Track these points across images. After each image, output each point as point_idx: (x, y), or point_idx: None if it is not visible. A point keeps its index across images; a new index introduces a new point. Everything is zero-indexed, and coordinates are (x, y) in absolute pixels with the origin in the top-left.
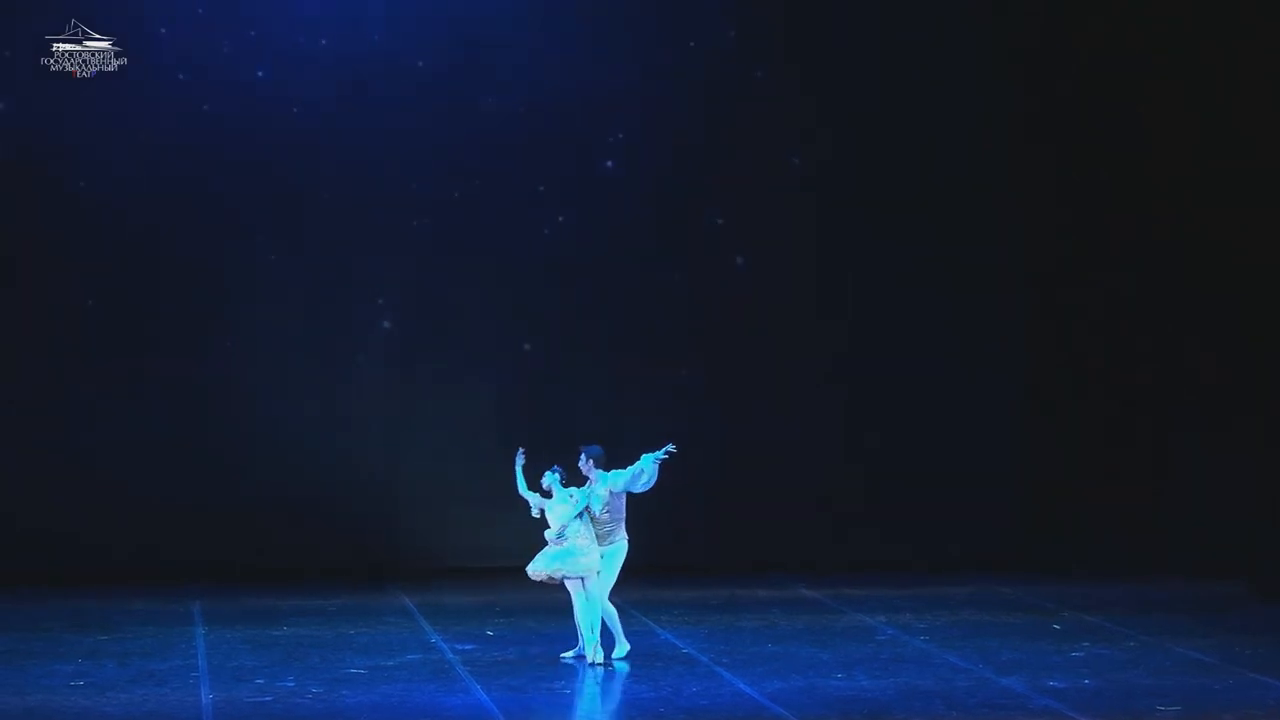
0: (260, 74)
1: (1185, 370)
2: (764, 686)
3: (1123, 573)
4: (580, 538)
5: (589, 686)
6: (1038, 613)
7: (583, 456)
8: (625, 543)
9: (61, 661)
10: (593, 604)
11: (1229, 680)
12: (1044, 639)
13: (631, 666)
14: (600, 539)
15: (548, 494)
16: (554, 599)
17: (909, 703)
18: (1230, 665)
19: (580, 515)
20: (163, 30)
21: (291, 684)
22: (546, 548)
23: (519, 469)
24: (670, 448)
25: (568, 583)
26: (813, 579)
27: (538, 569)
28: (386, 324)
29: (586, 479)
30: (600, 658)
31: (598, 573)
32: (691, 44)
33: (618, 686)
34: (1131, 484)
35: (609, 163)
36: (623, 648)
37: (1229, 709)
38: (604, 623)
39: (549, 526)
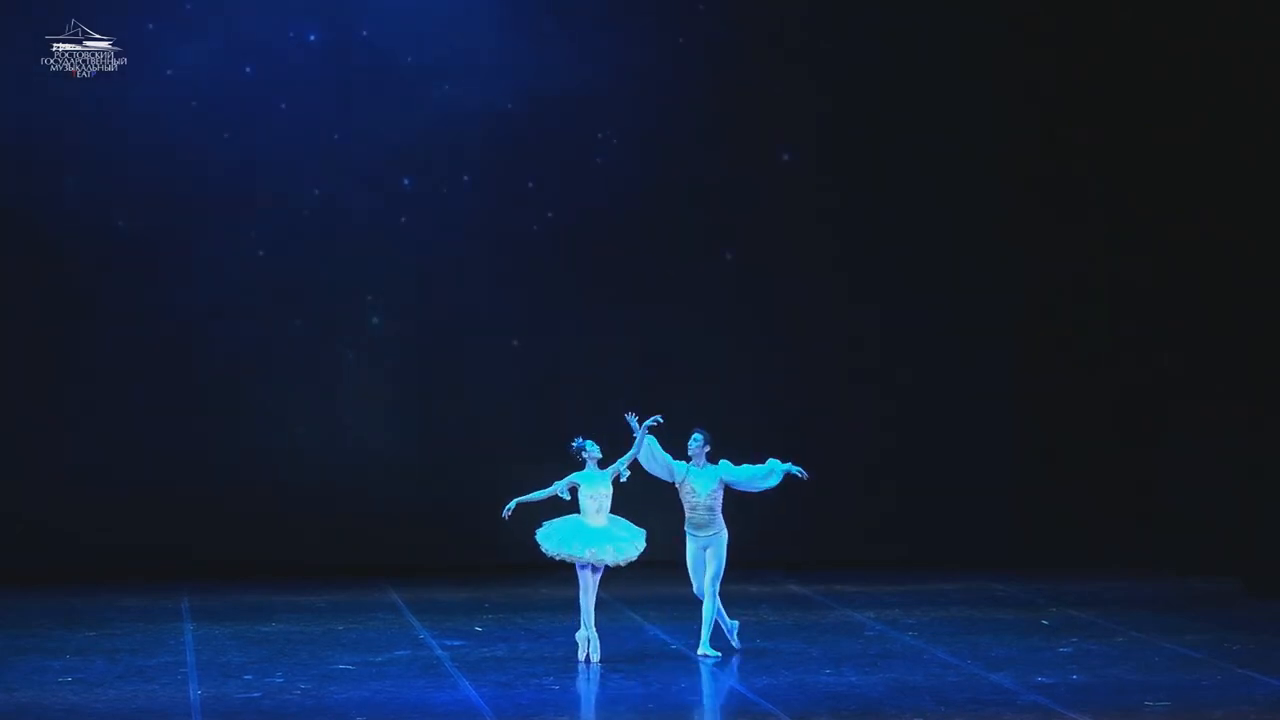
0: (248, 70)
1: (1178, 367)
2: (753, 682)
3: (1114, 569)
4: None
5: (577, 683)
6: (1029, 609)
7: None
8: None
9: (51, 658)
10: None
11: (1218, 676)
12: (1034, 635)
13: (620, 662)
14: (702, 528)
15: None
16: (540, 596)
17: (898, 698)
18: (1220, 661)
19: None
20: (150, 26)
21: (280, 680)
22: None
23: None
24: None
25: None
26: (802, 575)
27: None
28: (375, 321)
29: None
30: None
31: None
32: (680, 40)
33: (606, 683)
34: (1123, 480)
35: (598, 159)
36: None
37: (1218, 705)
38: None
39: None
